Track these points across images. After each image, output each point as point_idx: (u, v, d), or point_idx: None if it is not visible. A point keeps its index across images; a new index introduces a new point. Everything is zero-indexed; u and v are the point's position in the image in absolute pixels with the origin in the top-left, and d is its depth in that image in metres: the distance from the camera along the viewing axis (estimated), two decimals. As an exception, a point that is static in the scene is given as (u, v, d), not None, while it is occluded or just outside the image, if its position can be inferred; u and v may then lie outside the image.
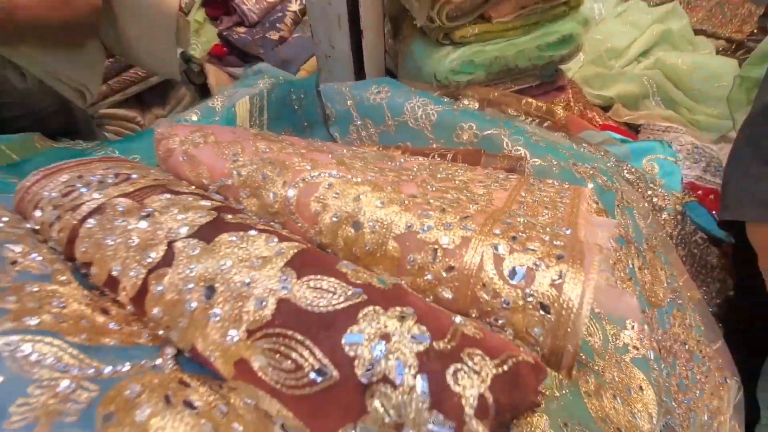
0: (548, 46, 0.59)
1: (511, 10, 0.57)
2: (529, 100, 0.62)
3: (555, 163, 0.48)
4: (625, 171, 0.62)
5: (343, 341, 0.16)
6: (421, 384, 0.15)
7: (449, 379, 0.16)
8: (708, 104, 0.88)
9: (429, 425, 0.15)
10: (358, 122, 0.52)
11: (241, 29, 1.11)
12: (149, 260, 0.21)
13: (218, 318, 0.18)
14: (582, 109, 0.86)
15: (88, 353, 0.17)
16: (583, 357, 0.33)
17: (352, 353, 0.16)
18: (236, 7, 1.09)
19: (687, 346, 0.48)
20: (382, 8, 0.64)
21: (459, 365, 0.16)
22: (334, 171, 0.27)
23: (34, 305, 0.18)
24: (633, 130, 0.89)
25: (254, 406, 0.17)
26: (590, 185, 0.47)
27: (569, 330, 0.19)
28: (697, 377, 0.46)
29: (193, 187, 0.28)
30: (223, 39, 1.14)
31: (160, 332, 0.20)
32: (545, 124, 0.64)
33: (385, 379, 0.16)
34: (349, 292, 0.18)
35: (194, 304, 0.19)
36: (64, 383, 0.15)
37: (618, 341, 0.38)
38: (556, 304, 0.19)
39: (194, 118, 0.55)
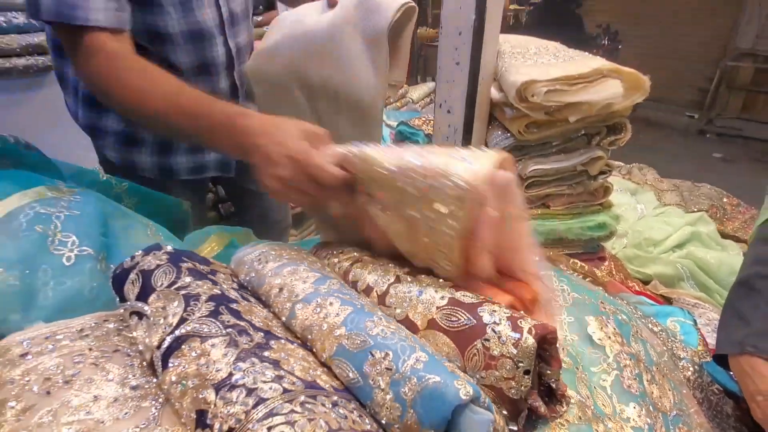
0: (588, 228, 0.89)
1: (562, 203, 0.89)
2: (575, 260, 0.89)
3: (587, 298, 0.72)
4: (650, 324, 0.83)
5: (478, 310, 0.42)
6: (507, 325, 0.41)
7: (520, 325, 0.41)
8: (735, 293, 1.08)
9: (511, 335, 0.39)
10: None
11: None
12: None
13: (423, 301, 0.45)
14: (623, 278, 1.09)
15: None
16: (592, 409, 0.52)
17: (481, 313, 0.42)
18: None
19: (692, 458, 0.62)
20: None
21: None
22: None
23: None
24: (667, 301, 1.09)
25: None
26: (612, 318, 0.69)
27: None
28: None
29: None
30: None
31: (398, 311, 0.47)
32: (587, 280, 0.89)
33: (494, 324, 0.41)
34: (482, 300, 0.45)
35: (415, 296, 0.46)
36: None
37: (623, 414, 0.55)
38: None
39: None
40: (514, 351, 0.38)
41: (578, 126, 0.79)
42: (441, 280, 0.47)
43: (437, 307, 0.43)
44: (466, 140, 0.91)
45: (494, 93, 0.84)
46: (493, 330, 0.39)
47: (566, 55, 0.84)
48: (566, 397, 0.48)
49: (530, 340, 0.37)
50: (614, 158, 1.74)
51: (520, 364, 0.37)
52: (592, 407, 0.53)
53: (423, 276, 0.48)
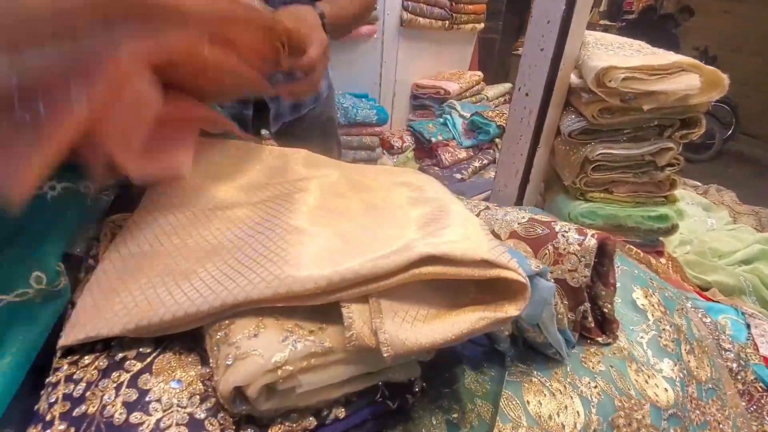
0: (649, 217, 0.93)
1: (626, 191, 0.94)
2: (631, 246, 0.93)
3: (636, 272, 0.76)
4: (700, 314, 0.85)
5: (552, 223, 0.51)
6: (573, 231, 0.49)
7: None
8: (801, 313, 1.05)
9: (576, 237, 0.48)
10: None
11: (436, 168, 1.68)
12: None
13: (507, 220, 0.55)
14: (680, 279, 1.10)
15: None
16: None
17: (554, 225, 0.50)
18: (438, 155, 1.68)
19: (721, 427, 0.65)
20: (545, 172, 1.06)
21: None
22: None
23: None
24: (724, 309, 1.08)
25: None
26: (658, 293, 0.73)
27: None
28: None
29: None
30: (421, 170, 1.72)
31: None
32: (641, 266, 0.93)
33: (564, 231, 0.50)
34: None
35: (500, 216, 0.56)
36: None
37: (656, 366, 0.60)
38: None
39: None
40: (578, 248, 0.47)
41: (651, 116, 0.84)
42: (522, 212, 0.57)
43: (519, 223, 0.53)
44: (540, 122, 0.99)
45: (573, 79, 0.91)
46: (563, 235, 0.49)
47: (649, 51, 0.89)
48: (614, 332, 0.55)
49: (592, 241, 0.47)
50: (693, 178, 1.71)
51: (582, 259, 0.47)
52: (628, 350, 0.59)
53: (510, 208, 0.58)
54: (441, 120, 1.99)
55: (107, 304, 0.33)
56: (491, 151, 1.83)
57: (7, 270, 0.32)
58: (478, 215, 0.61)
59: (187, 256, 0.36)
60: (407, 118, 2.18)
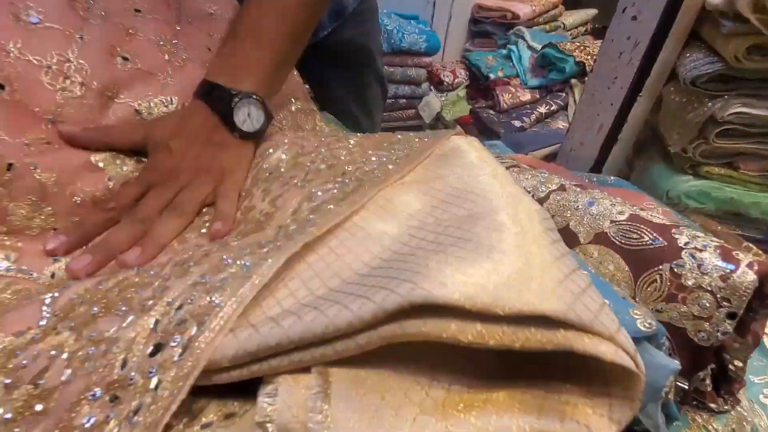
0: (786, 208, 0.67)
1: (757, 168, 0.67)
2: (749, 244, 0.69)
3: None
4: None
5: (672, 231, 0.30)
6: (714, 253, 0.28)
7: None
8: None
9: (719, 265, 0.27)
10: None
11: (491, 111, 1.40)
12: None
13: (593, 213, 0.34)
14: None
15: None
16: None
17: (676, 235, 0.30)
18: (496, 96, 1.40)
19: None
20: (640, 130, 0.80)
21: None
22: None
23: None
24: None
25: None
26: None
27: None
28: None
29: None
30: (473, 113, 1.45)
31: (556, 219, 0.36)
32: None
33: (695, 249, 0.29)
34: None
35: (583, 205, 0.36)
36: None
37: None
38: None
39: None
40: (721, 284, 0.27)
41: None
42: (618, 198, 0.35)
43: (612, 221, 0.32)
44: (649, 60, 0.71)
45: (714, -3, 0.62)
46: (692, 255, 0.28)
47: None
48: (734, 394, 0.36)
49: (749, 275, 0.26)
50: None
51: (725, 304, 0.27)
52: (751, 424, 0.40)
53: (595, 191, 0.36)
54: (504, 52, 1.65)
55: None
56: (563, 94, 1.47)
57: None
58: (546, 199, 0.40)
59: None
60: (463, 47, 1.84)
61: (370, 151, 0.28)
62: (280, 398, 0.18)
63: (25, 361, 0.20)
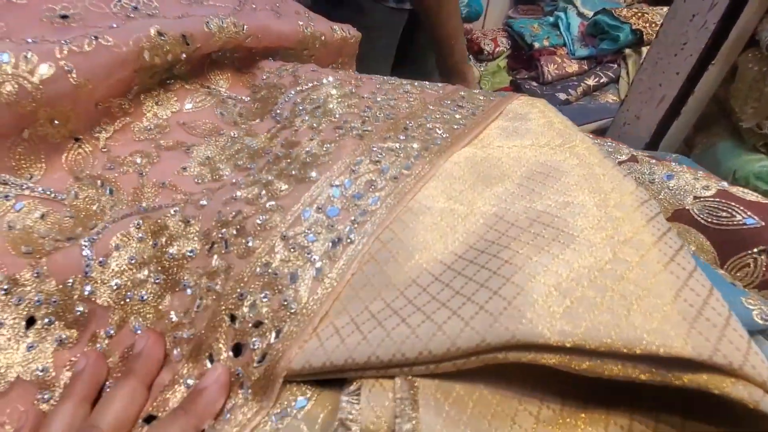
0: None
1: None
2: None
3: None
4: None
5: None
6: None
7: None
8: None
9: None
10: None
11: (534, 83, 1.33)
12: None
13: (671, 186, 0.31)
14: None
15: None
16: None
17: None
18: (540, 66, 1.31)
19: None
20: (705, 104, 0.73)
21: None
22: None
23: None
24: None
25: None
26: None
27: None
28: None
29: None
30: (514, 84, 1.37)
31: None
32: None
33: None
34: None
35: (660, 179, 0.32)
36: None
37: None
38: None
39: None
40: None
41: None
42: (701, 171, 0.31)
43: (696, 197, 0.29)
44: (724, 24, 0.63)
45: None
46: None
47: None
48: None
49: None
50: None
51: None
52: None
53: (673, 164, 0.33)
54: (551, 19, 1.54)
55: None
56: (615, 66, 1.36)
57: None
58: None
59: None
60: (506, 14, 1.74)
61: (432, 107, 0.25)
62: (364, 399, 0.17)
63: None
